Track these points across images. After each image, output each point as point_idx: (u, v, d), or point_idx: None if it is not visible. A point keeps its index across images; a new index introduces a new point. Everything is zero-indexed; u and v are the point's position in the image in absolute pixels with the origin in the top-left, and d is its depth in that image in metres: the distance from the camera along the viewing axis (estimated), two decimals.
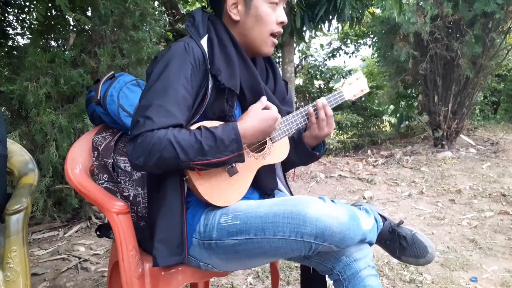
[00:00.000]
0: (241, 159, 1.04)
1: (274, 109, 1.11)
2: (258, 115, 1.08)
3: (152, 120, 0.97)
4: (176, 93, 1.00)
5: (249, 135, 1.05)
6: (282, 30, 1.18)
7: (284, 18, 1.16)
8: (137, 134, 0.96)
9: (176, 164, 0.98)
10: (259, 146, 1.16)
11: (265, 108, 1.11)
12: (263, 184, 1.20)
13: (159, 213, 1.05)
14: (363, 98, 1.39)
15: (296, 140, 1.29)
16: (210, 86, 1.08)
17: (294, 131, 1.21)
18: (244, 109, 1.19)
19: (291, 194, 1.37)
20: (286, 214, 0.97)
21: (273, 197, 1.27)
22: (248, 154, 1.12)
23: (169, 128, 0.98)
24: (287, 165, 1.35)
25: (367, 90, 1.35)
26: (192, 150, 0.97)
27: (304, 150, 1.27)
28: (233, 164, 1.07)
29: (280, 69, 5.20)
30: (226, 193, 1.08)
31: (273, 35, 1.16)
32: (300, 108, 1.23)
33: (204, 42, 1.10)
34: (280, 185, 1.35)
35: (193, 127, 1.05)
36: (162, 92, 1.00)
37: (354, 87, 1.31)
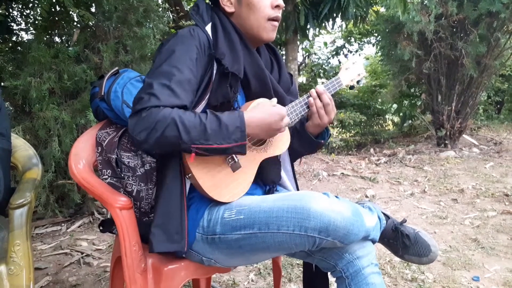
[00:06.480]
0: (243, 150, 1.02)
1: (282, 108, 1.10)
2: (266, 108, 1.08)
3: (157, 97, 0.97)
4: (182, 74, 1.01)
5: (254, 126, 1.04)
6: (279, 15, 1.17)
7: (280, 1, 1.15)
8: (141, 108, 0.96)
9: (177, 144, 0.96)
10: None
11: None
12: (265, 175, 1.19)
13: (158, 199, 1.06)
14: (362, 83, 1.36)
15: (299, 131, 1.28)
16: (214, 71, 1.09)
17: (295, 122, 1.20)
18: (248, 97, 1.18)
19: (297, 187, 1.37)
20: (290, 208, 0.97)
21: (276, 190, 1.27)
22: (250, 147, 1.12)
23: (174, 108, 0.98)
24: (292, 155, 1.35)
25: (364, 73, 1.33)
26: (195, 131, 0.96)
27: (308, 140, 1.27)
28: (236, 159, 1.07)
29: None
30: (230, 188, 1.08)
31: (271, 19, 1.15)
32: (299, 97, 1.22)
33: (208, 28, 1.13)
34: (286, 180, 1.34)
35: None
36: (167, 73, 1.01)
37: (351, 72, 1.30)
